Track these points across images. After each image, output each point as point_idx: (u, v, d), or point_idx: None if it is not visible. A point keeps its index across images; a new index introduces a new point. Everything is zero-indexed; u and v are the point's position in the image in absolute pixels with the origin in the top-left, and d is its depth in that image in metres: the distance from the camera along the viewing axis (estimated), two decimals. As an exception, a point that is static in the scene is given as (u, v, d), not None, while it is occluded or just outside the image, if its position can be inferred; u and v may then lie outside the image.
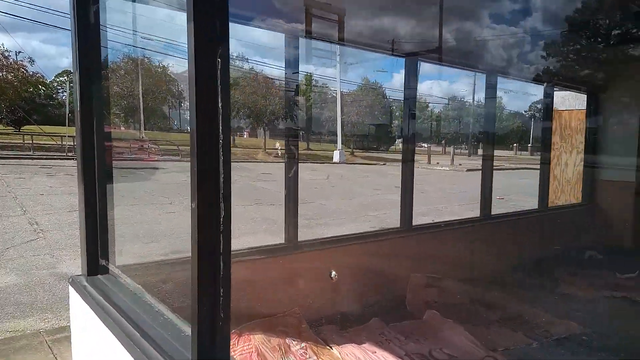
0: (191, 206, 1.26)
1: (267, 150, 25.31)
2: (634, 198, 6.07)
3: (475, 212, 5.05)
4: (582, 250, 6.16)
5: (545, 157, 6.72)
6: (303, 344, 2.87)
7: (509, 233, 5.11)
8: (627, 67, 6.07)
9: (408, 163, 4.29)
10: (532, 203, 10.30)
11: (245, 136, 41.98)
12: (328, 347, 2.95)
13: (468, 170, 18.19)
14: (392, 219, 8.84)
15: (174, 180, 13.06)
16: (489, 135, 4.98)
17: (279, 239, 3.56)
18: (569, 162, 7.56)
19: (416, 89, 4.37)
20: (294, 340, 2.89)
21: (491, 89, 4.89)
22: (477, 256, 4.73)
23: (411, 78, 4.24)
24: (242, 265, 3.12)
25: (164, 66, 27.82)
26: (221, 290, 1.29)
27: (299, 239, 3.55)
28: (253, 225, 7.81)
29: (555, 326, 3.54)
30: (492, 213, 5.07)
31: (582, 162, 7.60)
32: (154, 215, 8.70)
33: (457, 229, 4.64)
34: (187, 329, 1.54)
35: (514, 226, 5.15)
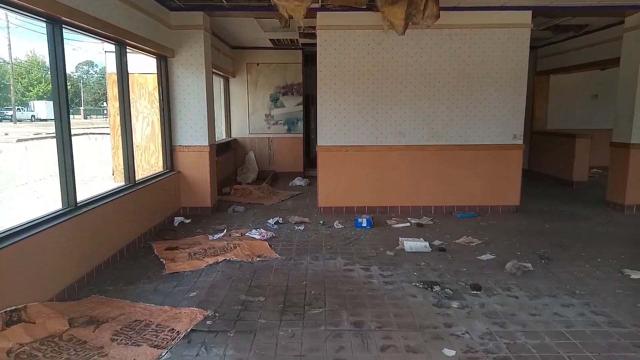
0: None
1: None
2: (209, 163, 6.52)
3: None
4: (171, 219, 6.13)
5: (119, 123, 6.13)
6: None
7: (96, 225, 4.29)
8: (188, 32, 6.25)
9: None
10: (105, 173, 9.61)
11: None
12: None
13: (19, 140, 15.11)
14: None
15: None
16: (60, 99, 3.83)
17: None
18: (136, 127, 7.35)
19: None
20: None
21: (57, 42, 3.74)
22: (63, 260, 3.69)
23: None
24: None
25: None
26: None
27: None
28: None
29: (180, 320, 3.17)
30: (79, 200, 4.07)
31: (150, 127, 7.57)
32: None
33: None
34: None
35: (102, 215, 4.36)
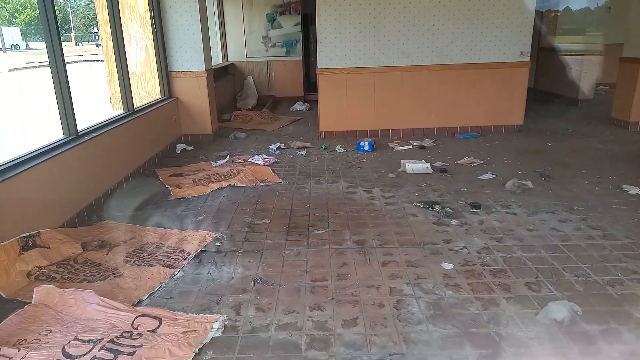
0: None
1: None
2: (207, 89, 6.38)
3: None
4: (173, 146, 6.14)
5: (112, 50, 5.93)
6: None
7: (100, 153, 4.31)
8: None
9: None
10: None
11: None
12: None
13: (11, 70, 14.75)
14: None
15: None
16: (49, 24, 3.67)
17: None
18: (129, 52, 7.12)
19: None
20: None
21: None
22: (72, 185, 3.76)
23: None
24: None
25: None
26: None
27: None
28: None
29: (189, 242, 3.29)
30: (79, 129, 4.05)
31: (144, 53, 7.31)
32: None
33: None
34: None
35: (104, 143, 4.36)
